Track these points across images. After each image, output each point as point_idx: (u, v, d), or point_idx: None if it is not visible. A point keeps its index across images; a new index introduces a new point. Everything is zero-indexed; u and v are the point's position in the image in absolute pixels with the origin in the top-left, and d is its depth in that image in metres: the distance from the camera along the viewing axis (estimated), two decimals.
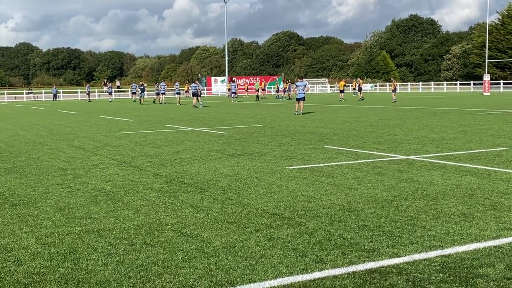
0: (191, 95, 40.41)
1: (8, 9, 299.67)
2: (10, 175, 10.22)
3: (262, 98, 58.73)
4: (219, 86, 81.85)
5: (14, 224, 6.66)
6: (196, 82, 42.98)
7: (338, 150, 12.89)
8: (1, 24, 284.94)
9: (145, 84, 52.83)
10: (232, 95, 52.36)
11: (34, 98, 75.67)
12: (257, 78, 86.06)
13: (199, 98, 40.09)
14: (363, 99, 47.18)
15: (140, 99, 49.37)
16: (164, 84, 51.74)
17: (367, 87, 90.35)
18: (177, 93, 47.42)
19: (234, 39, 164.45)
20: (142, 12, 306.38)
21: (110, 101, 57.10)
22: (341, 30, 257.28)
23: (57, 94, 71.42)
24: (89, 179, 9.58)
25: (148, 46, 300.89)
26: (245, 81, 68.45)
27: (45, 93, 77.97)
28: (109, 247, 5.64)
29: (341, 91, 51.11)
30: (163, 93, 49.41)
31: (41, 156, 12.92)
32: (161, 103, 47.06)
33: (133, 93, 56.14)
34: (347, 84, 75.57)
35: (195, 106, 38.80)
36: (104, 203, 7.65)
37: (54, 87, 75.25)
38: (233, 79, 69.40)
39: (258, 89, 57.12)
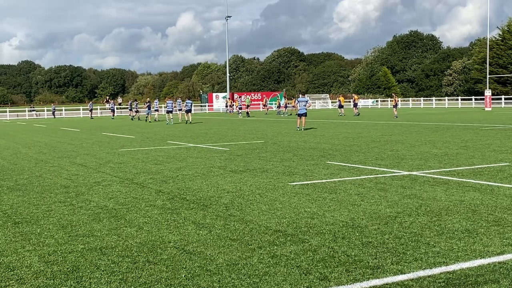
0: (184, 112, 41.26)
1: (12, 28, 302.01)
2: (12, 193, 10.21)
3: (265, 114, 59.38)
4: (220, 102, 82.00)
5: (16, 242, 6.64)
6: (168, 99, 45.25)
7: (341, 166, 12.88)
8: (4, 42, 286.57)
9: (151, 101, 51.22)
10: (239, 110, 54.07)
11: (37, 116, 75.84)
12: (255, 94, 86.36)
13: (171, 114, 41.70)
14: (358, 115, 47.38)
15: (146, 117, 47.63)
16: (157, 101, 52.10)
17: (368, 102, 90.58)
18: (179, 110, 46.85)
19: (236, 56, 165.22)
20: (146, 30, 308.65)
21: (112, 118, 57.16)
22: (343, 46, 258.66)
23: (55, 112, 71.70)
24: (91, 197, 9.58)
25: (151, 63, 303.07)
26: (246, 97, 68.69)
27: (47, 110, 78.25)
28: (112, 265, 5.62)
29: (341, 106, 51.85)
30: (156, 110, 49.83)
31: (44, 173, 12.93)
32: (155, 120, 46.77)
33: (130, 110, 55.45)
34: (347, 100, 75.88)
35: (190, 122, 40.02)
36: (107, 221, 7.63)
37: (53, 105, 76.15)
38: (237, 95, 69.67)
39: (248, 105, 57.35)
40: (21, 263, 5.77)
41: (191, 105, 41.62)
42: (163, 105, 57.66)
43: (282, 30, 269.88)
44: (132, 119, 51.18)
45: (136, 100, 57.93)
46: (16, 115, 76.94)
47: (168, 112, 41.66)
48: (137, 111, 52.35)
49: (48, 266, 5.63)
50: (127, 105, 66.94)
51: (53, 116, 70.24)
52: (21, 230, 7.23)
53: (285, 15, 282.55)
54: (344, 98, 56.44)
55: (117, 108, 69.56)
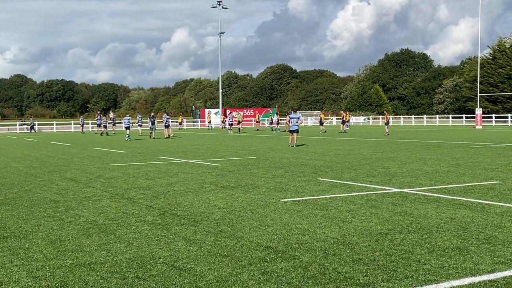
0: (164, 127, 42.45)
1: (5, 41, 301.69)
2: (1, 207, 10.13)
3: (256, 130, 59.54)
4: (213, 118, 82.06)
5: (4, 257, 6.57)
6: (136, 115, 44.39)
7: (332, 182, 12.88)
8: None
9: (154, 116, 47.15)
10: (229, 126, 54.21)
11: (27, 130, 75.54)
12: (247, 110, 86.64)
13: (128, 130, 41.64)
14: (345, 132, 47.50)
15: (150, 133, 43.24)
16: (141, 116, 52.16)
17: (360, 119, 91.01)
18: (167, 126, 45.81)
19: (229, 72, 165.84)
20: (140, 45, 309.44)
21: (98, 133, 55.73)
22: (336, 64, 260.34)
23: (34, 126, 71.69)
24: (81, 212, 9.51)
25: (144, 78, 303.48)
26: (239, 113, 68.90)
27: (38, 125, 78.18)
28: (101, 280, 5.57)
29: (321, 123, 52.39)
30: (140, 125, 49.94)
31: (33, 188, 12.84)
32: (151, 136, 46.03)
33: (103, 126, 53.89)
34: (338, 117, 76.35)
35: (168, 137, 40.79)
36: (96, 236, 7.57)
37: (31, 119, 76.51)
38: (229, 111, 69.90)
39: (240, 121, 57.34)
40: (9, 278, 5.71)
41: (168, 120, 43.06)
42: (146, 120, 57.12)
43: (277, 47, 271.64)
44: (101, 134, 51.38)
45: (105, 115, 57.49)
46: (7, 129, 76.59)
47: (126, 128, 41.66)
48: (105, 126, 52.49)
49: (36, 282, 5.57)
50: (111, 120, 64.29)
51: (31, 131, 69.92)
52: (9, 245, 7.16)
53: (280, 32, 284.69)
54: (324, 115, 57.34)
55: (108, 123, 68.85)
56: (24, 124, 79.09)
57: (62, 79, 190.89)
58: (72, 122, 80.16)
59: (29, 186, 13.12)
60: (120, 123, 65.04)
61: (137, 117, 51.57)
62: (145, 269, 5.95)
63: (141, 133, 47.70)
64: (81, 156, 22.96)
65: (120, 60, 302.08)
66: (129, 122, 42.33)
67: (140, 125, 49.94)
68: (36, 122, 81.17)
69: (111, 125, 56.01)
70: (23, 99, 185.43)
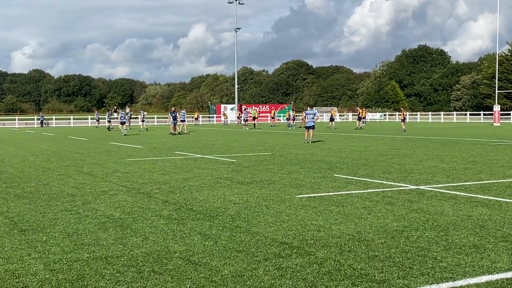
0: (180, 121, 43.07)
1: (24, 36, 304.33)
2: (19, 201, 10.24)
3: (270, 126, 59.61)
4: (228, 113, 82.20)
5: (22, 250, 6.64)
6: (118, 110, 44.80)
7: (348, 179, 12.84)
8: (17, 50, 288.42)
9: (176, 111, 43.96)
10: (244, 122, 54.54)
11: (45, 125, 76.28)
12: (263, 106, 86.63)
13: (125, 125, 42.03)
14: (360, 129, 47.26)
15: (174, 127, 40.78)
16: (145, 112, 52.91)
17: (376, 116, 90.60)
18: (182, 121, 45.42)
19: (245, 68, 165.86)
20: (158, 41, 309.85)
21: (112, 129, 54.39)
22: (353, 59, 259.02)
23: (43, 121, 72.69)
24: (98, 206, 9.58)
25: (161, 74, 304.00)
26: (254, 109, 69.04)
27: (55, 119, 78.95)
28: (117, 274, 5.61)
29: (332, 119, 52.87)
30: (143, 121, 50.67)
31: (51, 182, 12.96)
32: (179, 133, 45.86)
33: (108, 121, 54.09)
34: (354, 113, 76.09)
35: (180, 133, 41.30)
36: (113, 230, 7.63)
37: (41, 113, 77.91)
38: (245, 107, 70.06)
39: (255, 117, 57.33)
40: (27, 271, 5.77)
41: (184, 115, 44.17)
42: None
43: (293, 43, 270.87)
44: (108, 129, 51.68)
45: (109, 110, 57.89)
46: (25, 123, 77.41)
47: (121, 123, 41.92)
48: (109, 121, 52.92)
49: (53, 274, 5.63)
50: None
51: (41, 125, 70.72)
52: (27, 238, 7.23)
53: (297, 28, 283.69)
54: (334, 112, 58.18)
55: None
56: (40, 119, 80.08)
57: (79, 74, 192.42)
58: (89, 117, 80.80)
59: (46, 180, 13.24)
60: (136, 118, 65.27)
61: (141, 113, 52.14)
62: (161, 263, 5.99)
63: (142, 129, 48.43)
64: (97, 151, 23.11)
65: (137, 55, 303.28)
66: (124, 118, 42.44)
67: (143, 121, 50.60)
68: (54, 117, 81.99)
69: (107, 121, 56.31)
70: (41, 93, 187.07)
